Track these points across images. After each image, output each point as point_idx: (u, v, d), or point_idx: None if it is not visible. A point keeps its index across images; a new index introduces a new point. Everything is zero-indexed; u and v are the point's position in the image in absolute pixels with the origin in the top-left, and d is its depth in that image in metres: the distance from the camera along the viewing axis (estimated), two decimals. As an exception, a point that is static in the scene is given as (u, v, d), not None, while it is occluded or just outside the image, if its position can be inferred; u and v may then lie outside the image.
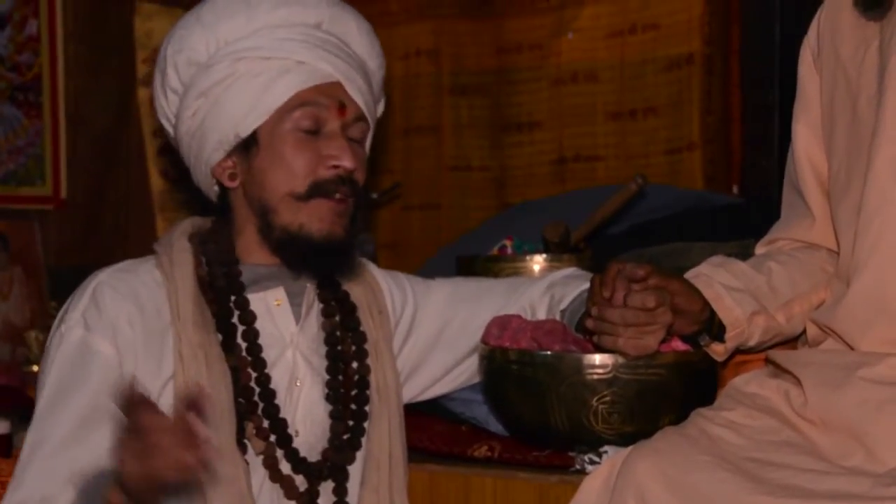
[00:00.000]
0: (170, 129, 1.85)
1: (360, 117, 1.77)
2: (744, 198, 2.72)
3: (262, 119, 1.72)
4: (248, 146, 1.74)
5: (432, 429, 1.93)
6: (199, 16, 1.78)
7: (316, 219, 1.71)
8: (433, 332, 1.90)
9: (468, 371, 1.92)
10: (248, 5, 1.76)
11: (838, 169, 1.73)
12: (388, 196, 3.04)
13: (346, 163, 1.72)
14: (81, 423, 1.62)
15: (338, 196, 1.72)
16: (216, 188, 1.81)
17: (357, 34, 1.83)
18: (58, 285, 2.99)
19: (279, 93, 1.72)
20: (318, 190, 1.71)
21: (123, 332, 1.66)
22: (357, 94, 1.76)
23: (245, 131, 1.73)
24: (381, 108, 1.89)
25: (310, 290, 1.78)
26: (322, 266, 1.75)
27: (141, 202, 3.10)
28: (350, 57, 1.78)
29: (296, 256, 1.73)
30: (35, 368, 2.84)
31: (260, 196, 1.73)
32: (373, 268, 1.90)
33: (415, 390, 1.91)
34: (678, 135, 2.80)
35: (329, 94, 1.74)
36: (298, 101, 1.72)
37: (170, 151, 1.97)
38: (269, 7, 1.76)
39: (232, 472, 1.63)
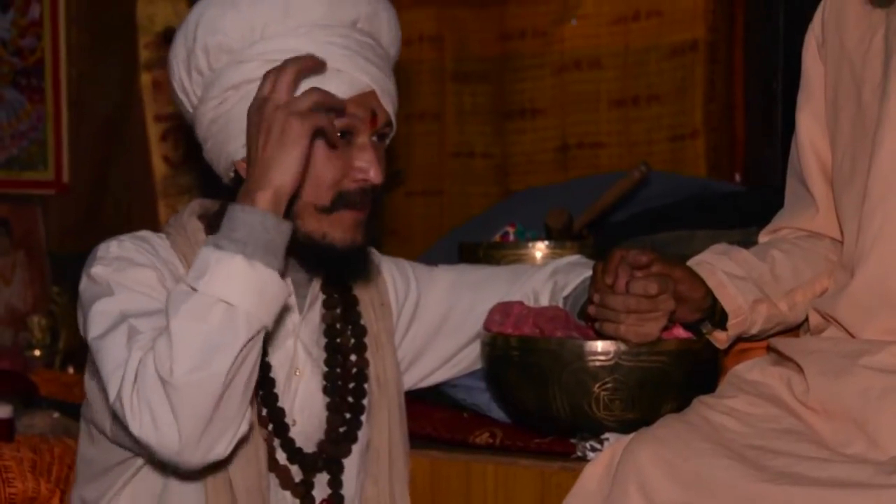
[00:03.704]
0: (187, 104, 1.76)
1: (388, 123, 1.72)
2: (747, 186, 2.72)
3: None
4: None
5: (434, 416, 1.93)
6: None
7: (339, 229, 1.67)
8: (436, 319, 1.90)
9: (469, 357, 1.91)
10: None
11: (842, 158, 1.73)
12: (391, 183, 3.03)
13: (374, 178, 1.67)
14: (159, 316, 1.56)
15: (361, 207, 1.69)
16: (232, 174, 1.75)
17: (387, 28, 1.76)
18: (60, 270, 2.99)
19: None
20: (342, 202, 1.67)
21: (159, 273, 1.63)
22: (388, 101, 1.70)
23: None
24: None
25: (315, 281, 1.77)
26: (339, 271, 1.74)
27: (143, 187, 3.10)
28: (382, 59, 1.72)
29: (314, 260, 1.71)
30: (38, 353, 2.85)
31: None
32: (377, 257, 1.88)
33: (416, 377, 1.91)
34: (681, 122, 2.79)
35: (363, 105, 1.67)
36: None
37: (176, 127, 1.91)
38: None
39: (252, 451, 1.62)
